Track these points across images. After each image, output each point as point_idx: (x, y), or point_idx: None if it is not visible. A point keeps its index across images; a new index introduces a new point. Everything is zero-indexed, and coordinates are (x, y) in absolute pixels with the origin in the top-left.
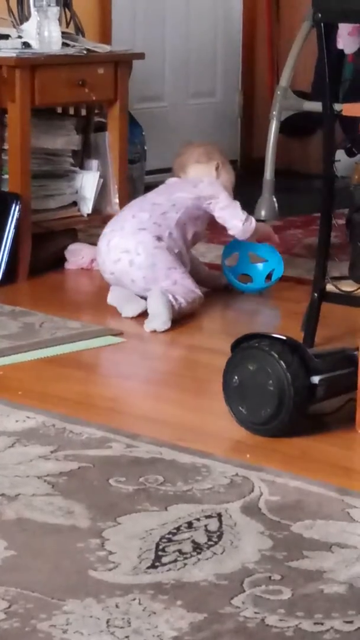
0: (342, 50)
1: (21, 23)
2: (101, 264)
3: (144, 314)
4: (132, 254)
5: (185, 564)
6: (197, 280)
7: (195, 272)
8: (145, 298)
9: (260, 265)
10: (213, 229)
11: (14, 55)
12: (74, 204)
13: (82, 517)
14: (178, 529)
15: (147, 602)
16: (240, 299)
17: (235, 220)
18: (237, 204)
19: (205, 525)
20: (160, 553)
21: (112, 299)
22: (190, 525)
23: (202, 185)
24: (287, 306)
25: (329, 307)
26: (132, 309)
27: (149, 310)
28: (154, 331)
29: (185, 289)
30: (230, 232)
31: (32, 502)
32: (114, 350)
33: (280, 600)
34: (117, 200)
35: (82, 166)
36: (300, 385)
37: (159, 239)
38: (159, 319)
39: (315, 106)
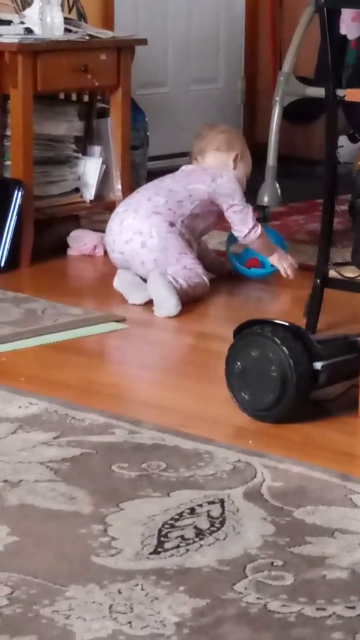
0: (345, 36)
1: (23, 9)
2: (110, 243)
3: (150, 301)
4: (145, 236)
5: (187, 550)
6: (203, 265)
7: (202, 256)
8: None
9: None
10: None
11: (17, 41)
12: (77, 190)
13: (84, 503)
14: (180, 515)
15: (149, 587)
16: (243, 286)
17: (243, 226)
18: (250, 209)
19: (208, 511)
20: (162, 539)
21: (118, 284)
22: (192, 511)
23: (220, 180)
24: (290, 292)
25: (332, 293)
26: (139, 296)
27: (152, 296)
28: (167, 317)
29: (192, 273)
30: (235, 234)
31: (34, 488)
32: (117, 337)
33: (282, 586)
34: (119, 187)
35: (84, 152)
36: (303, 371)
37: (172, 224)
38: (168, 303)
39: (318, 92)
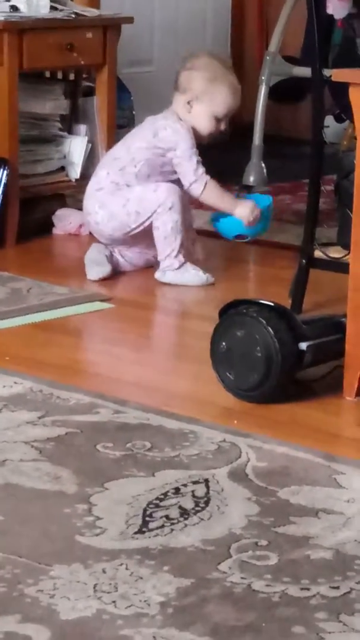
0: (331, 16)
1: None
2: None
3: (109, 278)
4: (93, 215)
5: (172, 530)
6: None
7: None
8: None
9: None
10: None
11: (2, 18)
12: (62, 169)
13: (69, 483)
14: (165, 494)
15: (134, 567)
16: (228, 265)
17: (184, 179)
18: (193, 160)
19: (193, 491)
20: (147, 519)
21: (85, 258)
22: (177, 491)
23: (162, 134)
24: (275, 272)
25: (317, 274)
26: (95, 272)
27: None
28: (94, 280)
29: (143, 201)
30: None
31: (19, 467)
32: (102, 316)
33: (266, 566)
34: None
35: (70, 131)
36: (288, 352)
37: (117, 190)
38: (98, 267)
39: (305, 72)
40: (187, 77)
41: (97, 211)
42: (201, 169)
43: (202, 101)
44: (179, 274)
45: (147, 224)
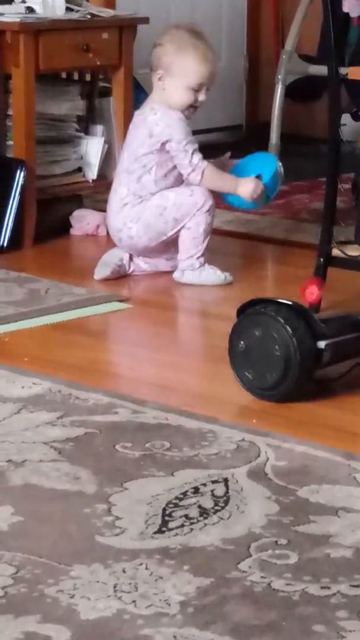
0: (347, 14)
1: None
2: None
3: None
4: (126, 231)
5: (191, 529)
6: None
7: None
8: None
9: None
10: None
11: (18, 20)
12: (79, 169)
13: (88, 483)
14: (184, 494)
15: (154, 567)
16: (245, 265)
17: (182, 170)
18: (188, 149)
19: (212, 490)
20: (167, 518)
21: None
22: (196, 490)
23: (156, 130)
24: (293, 271)
25: (335, 272)
26: (96, 272)
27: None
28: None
29: (182, 207)
30: None
31: (38, 468)
32: (120, 317)
33: (286, 565)
34: None
35: (86, 132)
36: (307, 350)
37: (141, 200)
38: (101, 267)
39: (321, 70)
40: (155, 54)
41: (131, 226)
42: (197, 157)
43: (172, 74)
44: (197, 273)
45: (182, 228)
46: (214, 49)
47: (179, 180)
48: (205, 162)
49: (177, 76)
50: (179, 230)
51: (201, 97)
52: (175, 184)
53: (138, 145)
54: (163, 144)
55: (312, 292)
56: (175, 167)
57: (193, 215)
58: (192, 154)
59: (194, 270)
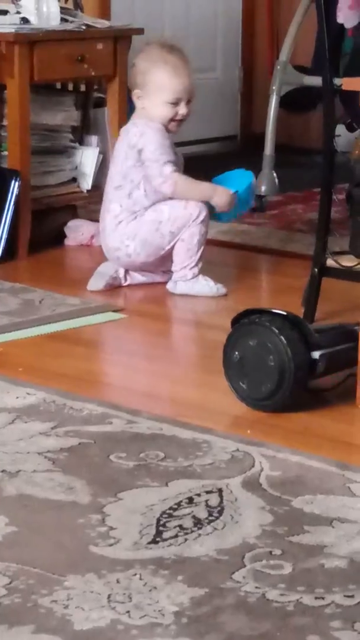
0: (342, 25)
1: None
2: None
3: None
4: (123, 249)
5: (186, 539)
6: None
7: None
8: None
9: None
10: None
11: (13, 30)
12: (74, 180)
13: (82, 493)
14: (179, 504)
15: (148, 577)
16: (239, 275)
17: (153, 181)
18: (160, 160)
19: (206, 501)
20: (161, 528)
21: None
22: (190, 500)
23: (134, 141)
24: (288, 281)
25: (330, 282)
26: (92, 284)
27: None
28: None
29: (177, 220)
30: None
31: (32, 478)
32: (115, 327)
33: (281, 575)
34: None
35: (81, 142)
36: (301, 361)
37: (135, 217)
38: (95, 279)
39: (316, 81)
40: (131, 74)
41: (128, 244)
42: (168, 168)
43: (148, 92)
44: (190, 284)
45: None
46: (187, 62)
47: None
48: (176, 173)
49: (153, 93)
50: (175, 243)
51: (181, 110)
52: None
53: (122, 160)
54: (140, 154)
55: None
56: None
57: (188, 226)
58: (164, 164)
59: (187, 280)
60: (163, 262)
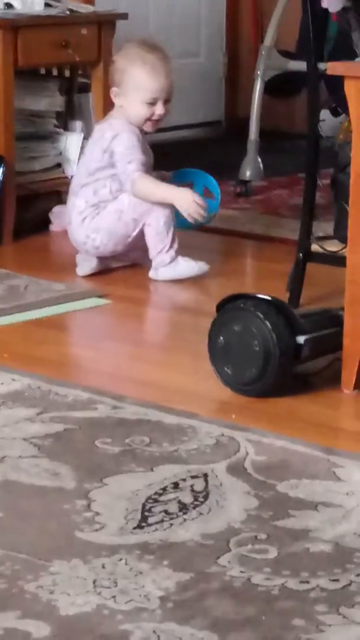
0: (326, 9)
1: None
2: None
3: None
4: (90, 242)
5: (171, 524)
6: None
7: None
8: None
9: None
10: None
11: None
12: (58, 165)
13: (68, 479)
14: (164, 489)
15: (133, 562)
16: (225, 260)
17: (121, 178)
18: (126, 159)
19: (191, 486)
20: (146, 513)
21: (77, 256)
22: (176, 485)
23: (106, 144)
24: (272, 267)
25: (314, 267)
26: (82, 268)
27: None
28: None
29: (137, 206)
30: None
31: (18, 464)
32: (100, 312)
33: (266, 560)
34: None
35: (65, 127)
36: (286, 346)
37: (99, 211)
38: (82, 263)
39: (300, 65)
40: (110, 72)
41: (94, 237)
42: (132, 166)
43: (125, 91)
44: (171, 268)
45: (143, 226)
46: (167, 61)
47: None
48: (138, 173)
49: (130, 92)
50: (141, 230)
51: (158, 110)
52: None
53: (93, 161)
54: (112, 156)
55: None
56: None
57: (150, 211)
58: (129, 163)
59: (167, 265)
60: (135, 248)
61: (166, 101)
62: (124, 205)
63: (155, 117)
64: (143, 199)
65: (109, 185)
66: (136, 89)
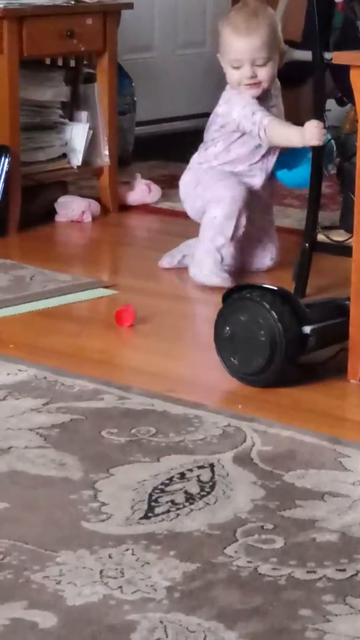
0: None
1: None
2: None
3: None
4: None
5: (178, 515)
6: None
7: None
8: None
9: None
10: None
11: (2, 6)
12: (64, 156)
13: (74, 469)
14: (170, 479)
15: (140, 552)
16: None
17: (251, 135)
18: (248, 113)
19: (198, 476)
20: (153, 504)
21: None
22: (182, 475)
23: (220, 110)
24: (279, 256)
25: (320, 257)
26: (165, 260)
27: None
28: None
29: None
30: None
31: (24, 454)
32: (106, 303)
33: (272, 549)
34: (107, 152)
35: (71, 118)
36: (292, 336)
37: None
38: (196, 267)
39: (306, 55)
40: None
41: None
42: (258, 115)
43: (221, 54)
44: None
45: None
46: (257, 22)
47: (243, 157)
48: (267, 118)
49: (222, 54)
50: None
51: (247, 72)
52: (237, 160)
53: (210, 124)
54: (225, 123)
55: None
56: (236, 141)
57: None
58: (254, 113)
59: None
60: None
61: (258, 63)
62: (210, 213)
63: (246, 82)
64: (279, 143)
65: (219, 146)
66: (222, 51)
